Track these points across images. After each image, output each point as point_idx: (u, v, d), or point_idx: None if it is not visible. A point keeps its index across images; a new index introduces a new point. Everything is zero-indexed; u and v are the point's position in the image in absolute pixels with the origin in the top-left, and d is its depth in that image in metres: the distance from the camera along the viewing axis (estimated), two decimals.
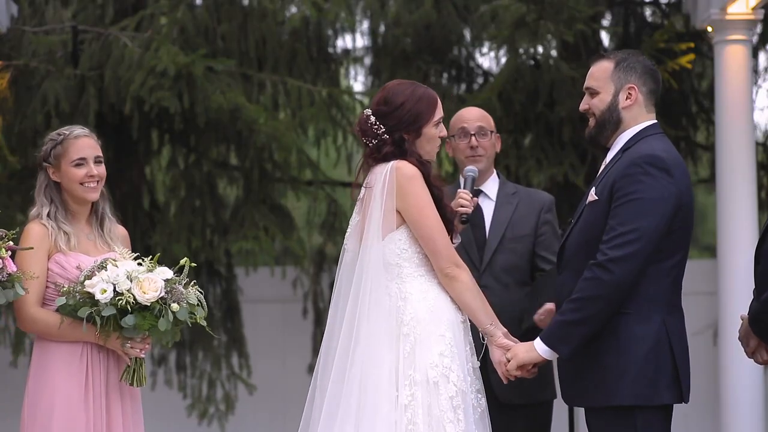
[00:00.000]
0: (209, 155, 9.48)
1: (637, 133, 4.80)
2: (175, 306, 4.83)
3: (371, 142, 4.82)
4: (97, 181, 5.07)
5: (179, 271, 4.94)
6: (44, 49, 8.90)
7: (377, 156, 4.81)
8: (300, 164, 9.14)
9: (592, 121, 4.87)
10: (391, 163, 4.75)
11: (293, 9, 9.39)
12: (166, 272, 4.89)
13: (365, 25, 9.81)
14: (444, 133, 4.94)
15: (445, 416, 4.62)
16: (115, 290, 4.80)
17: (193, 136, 9.45)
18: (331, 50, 9.76)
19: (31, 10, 9.38)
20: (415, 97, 4.83)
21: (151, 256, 4.96)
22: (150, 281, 4.83)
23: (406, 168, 4.74)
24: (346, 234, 4.94)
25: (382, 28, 9.63)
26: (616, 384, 4.60)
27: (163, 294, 4.83)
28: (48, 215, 5.02)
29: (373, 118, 4.81)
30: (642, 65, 4.84)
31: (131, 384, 4.99)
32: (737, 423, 7.95)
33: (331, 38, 9.75)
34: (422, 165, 4.80)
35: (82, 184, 5.04)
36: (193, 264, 4.99)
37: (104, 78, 8.74)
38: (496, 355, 4.83)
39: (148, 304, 4.81)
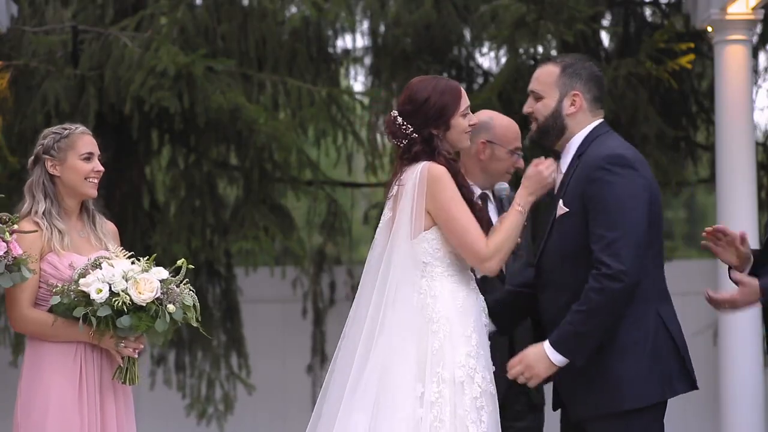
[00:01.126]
0: (209, 155, 9.48)
1: (587, 135, 4.81)
2: (171, 307, 4.82)
3: (401, 143, 4.83)
4: (98, 179, 5.11)
5: (176, 272, 4.94)
6: (44, 49, 8.90)
7: (408, 156, 4.81)
8: (300, 164, 9.14)
9: (534, 125, 4.88)
10: (422, 164, 4.75)
11: (293, 9, 9.39)
12: (162, 272, 4.88)
13: (365, 25, 9.81)
14: (474, 121, 4.92)
15: (469, 417, 4.63)
16: (110, 290, 4.80)
17: (193, 136, 9.45)
18: (331, 50, 9.76)
19: (31, 10, 9.38)
20: (438, 90, 4.81)
21: (147, 257, 4.95)
22: (146, 282, 4.82)
23: (434, 170, 4.74)
24: (378, 229, 4.95)
25: (382, 28, 9.63)
26: (630, 388, 4.62)
27: (159, 294, 4.82)
28: (43, 213, 5.03)
29: (399, 119, 4.81)
30: (588, 72, 4.84)
31: (124, 382, 4.98)
32: (737, 422, 7.95)
33: (331, 38, 9.74)
34: (450, 164, 4.79)
35: (86, 178, 5.06)
36: (191, 266, 4.99)
37: (104, 78, 8.74)
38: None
39: (144, 305, 4.80)
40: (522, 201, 4.83)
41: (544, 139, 4.89)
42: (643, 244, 4.62)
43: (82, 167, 5.08)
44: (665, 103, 9.56)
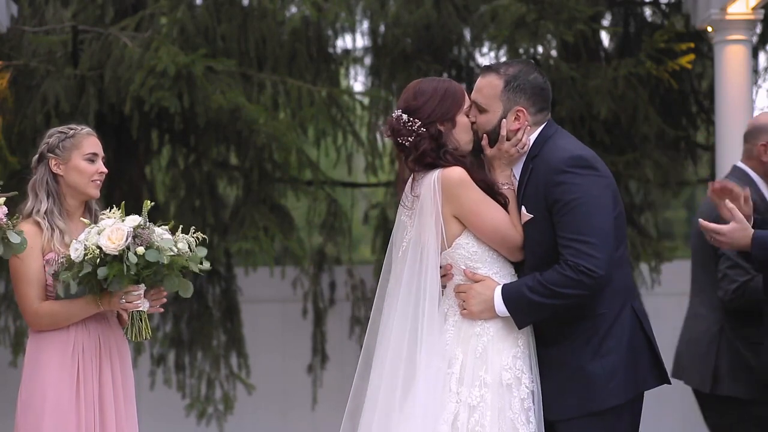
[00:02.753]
0: (209, 155, 9.48)
1: (537, 138, 4.76)
2: (140, 249, 4.81)
3: (407, 141, 4.74)
4: (101, 180, 5.14)
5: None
6: (44, 49, 8.90)
7: (416, 154, 4.73)
8: (300, 164, 9.14)
9: (477, 135, 4.81)
10: (436, 172, 4.70)
11: (293, 9, 9.39)
12: (136, 219, 4.89)
13: (365, 25, 9.81)
14: (474, 119, 4.82)
15: (518, 419, 4.61)
16: (84, 247, 4.83)
17: (193, 136, 9.45)
18: (331, 50, 9.75)
19: (31, 10, 9.39)
20: (441, 87, 4.79)
21: (116, 207, 4.96)
22: (116, 230, 4.82)
23: (451, 174, 4.68)
24: (394, 233, 4.88)
25: (382, 28, 9.62)
26: (606, 387, 4.62)
27: (130, 241, 4.82)
28: (45, 212, 5.04)
29: (405, 116, 4.75)
30: (531, 85, 4.75)
31: (131, 338, 4.99)
32: None
33: (331, 38, 9.74)
34: (460, 161, 4.73)
35: (90, 179, 5.09)
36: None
37: (104, 78, 8.75)
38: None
39: (117, 253, 4.80)
40: (506, 179, 4.78)
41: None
42: (612, 241, 4.61)
43: (86, 168, 5.10)
44: (665, 103, 9.55)
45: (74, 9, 9.41)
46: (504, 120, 4.73)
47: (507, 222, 4.72)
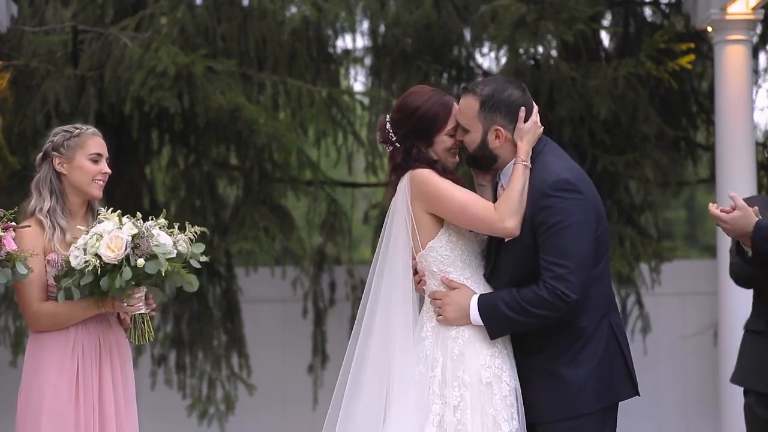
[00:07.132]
0: (209, 155, 9.48)
1: None
2: (140, 261, 4.80)
3: (388, 147, 4.93)
4: (104, 180, 5.15)
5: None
6: (44, 49, 8.91)
7: (392, 164, 4.90)
8: (300, 164, 9.14)
9: (466, 153, 4.90)
10: (406, 174, 4.83)
11: (293, 9, 9.39)
12: (134, 228, 4.89)
13: (365, 25, 9.82)
14: (461, 138, 4.89)
15: (501, 415, 4.71)
16: (85, 254, 4.83)
17: (193, 136, 9.45)
18: (331, 50, 9.76)
19: (31, 10, 9.39)
20: (425, 107, 4.86)
21: (111, 209, 4.96)
22: (115, 239, 4.82)
23: (415, 175, 4.80)
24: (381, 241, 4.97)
25: (382, 28, 9.63)
26: (579, 394, 4.73)
27: (129, 250, 4.81)
28: (48, 211, 5.05)
29: (388, 126, 4.90)
30: (507, 102, 4.80)
31: (134, 341, 5.00)
32: (737, 423, 7.95)
33: (331, 38, 9.74)
34: (432, 165, 4.83)
35: (93, 179, 5.09)
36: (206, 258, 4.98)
37: (104, 78, 8.75)
38: None
39: (116, 263, 4.80)
40: (525, 156, 4.79)
41: (478, 164, 4.92)
42: (590, 266, 4.70)
43: (89, 168, 5.11)
44: (665, 103, 9.56)
45: (74, 9, 9.41)
46: (487, 138, 4.80)
47: (477, 201, 4.77)
